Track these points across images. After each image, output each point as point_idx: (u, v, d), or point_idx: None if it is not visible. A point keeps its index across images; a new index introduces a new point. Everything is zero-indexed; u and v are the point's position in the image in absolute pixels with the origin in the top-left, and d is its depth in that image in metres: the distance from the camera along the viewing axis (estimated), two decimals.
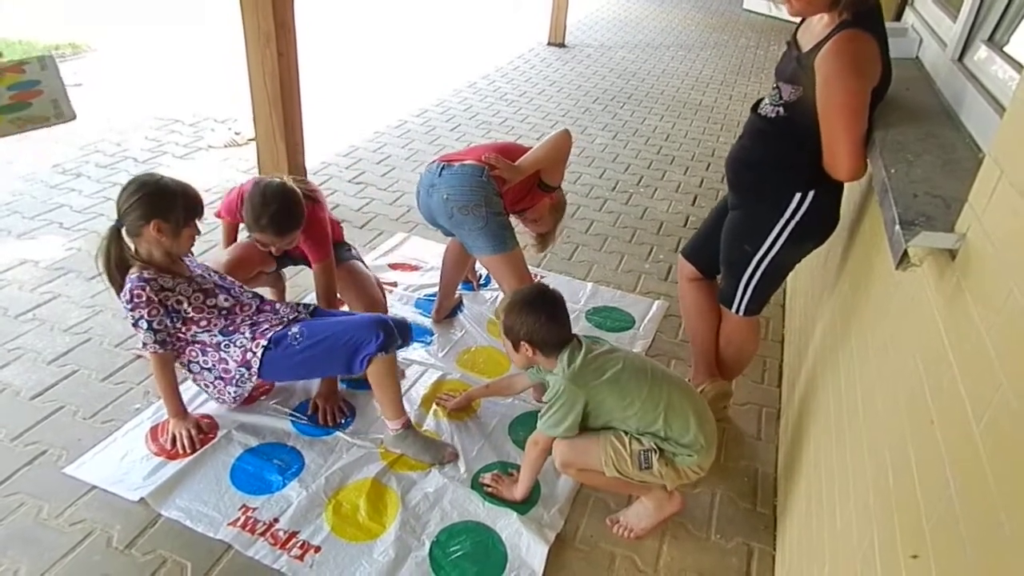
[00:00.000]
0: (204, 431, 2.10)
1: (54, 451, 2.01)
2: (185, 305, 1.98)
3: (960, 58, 1.90)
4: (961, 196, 1.15)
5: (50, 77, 0.71)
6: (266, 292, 2.56)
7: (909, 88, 1.94)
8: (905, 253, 1.09)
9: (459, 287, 2.91)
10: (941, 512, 0.88)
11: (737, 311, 2.09)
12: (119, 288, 1.97)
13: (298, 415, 2.23)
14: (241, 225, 2.45)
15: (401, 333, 2.09)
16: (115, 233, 1.94)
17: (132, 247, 1.96)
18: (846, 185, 1.85)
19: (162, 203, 1.89)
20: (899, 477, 1.07)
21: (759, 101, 1.92)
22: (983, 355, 0.87)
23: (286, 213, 2.14)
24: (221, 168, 4.02)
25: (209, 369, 2.08)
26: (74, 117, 0.71)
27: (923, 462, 0.99)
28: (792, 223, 1.86)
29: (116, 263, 1.96)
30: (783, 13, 10.07)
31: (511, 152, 2.44)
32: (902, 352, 1.23)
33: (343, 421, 2.23)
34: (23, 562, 1.69)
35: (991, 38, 1.77)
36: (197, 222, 1.99)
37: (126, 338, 2.49)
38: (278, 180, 2.18)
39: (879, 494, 1.15)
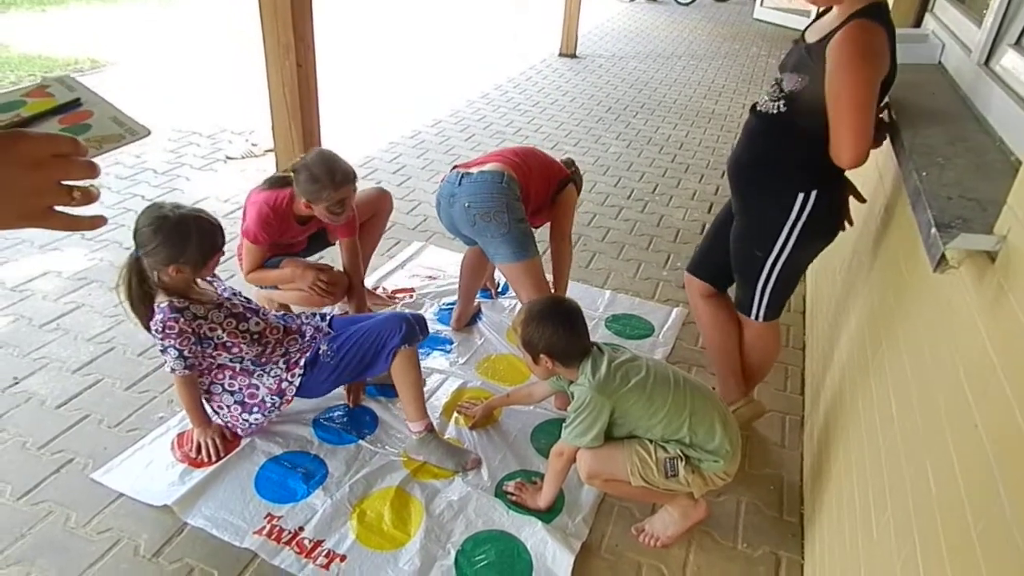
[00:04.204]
0: (228, 439, 2.11)
1: (80, 459, 2.03)
2: (219, 332, 1.95)
3: (986, 62, 1.89)
4: (996, 198, 1.14)
5: (87, 95, 0.69)
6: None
7: (935, 93, 1.93)
8: (943, 256, 1.08)
9: (478, 295, 2.91)
10: (992, 516, 0.86)
11: (757, 317, 2.07)
12: (142, 318, 1.95)
13: (322, 422, 2.24)
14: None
15: (420, 327, 2.13)
16: (134, 264, 1.89)
17: (155, 275, 1.90)
18: (870, 192, 1.84)
19: (180, 246, 1.83)
20: (942, 483, 1.06)
21: (757, 102, 1.89)
22: None
23: (344, 162, 2.32)
24: (239, 179, 4.06)
25: (232, 392, 2.07)
26: (148, 133, 0.68)
27: (968, 467, 0.98)
28: (800, 224, 1.83)
29: (138, 295, 1.91)
30: (792, 21, 10.09)
31: (532, 158, 2.45)
32: (940, 356, 1.22)
33: (366, 429, 2.23)
34: (53, 570, 1.70)
35: (1018, 41, 1.76)
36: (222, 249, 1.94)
37: (149, 347, 2.51)
38: (309, 151, 2.35)
39: (920, 501, 1.14)
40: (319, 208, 2.28)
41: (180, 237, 1.83)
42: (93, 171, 0.64)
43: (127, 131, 0.72)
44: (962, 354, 1.11)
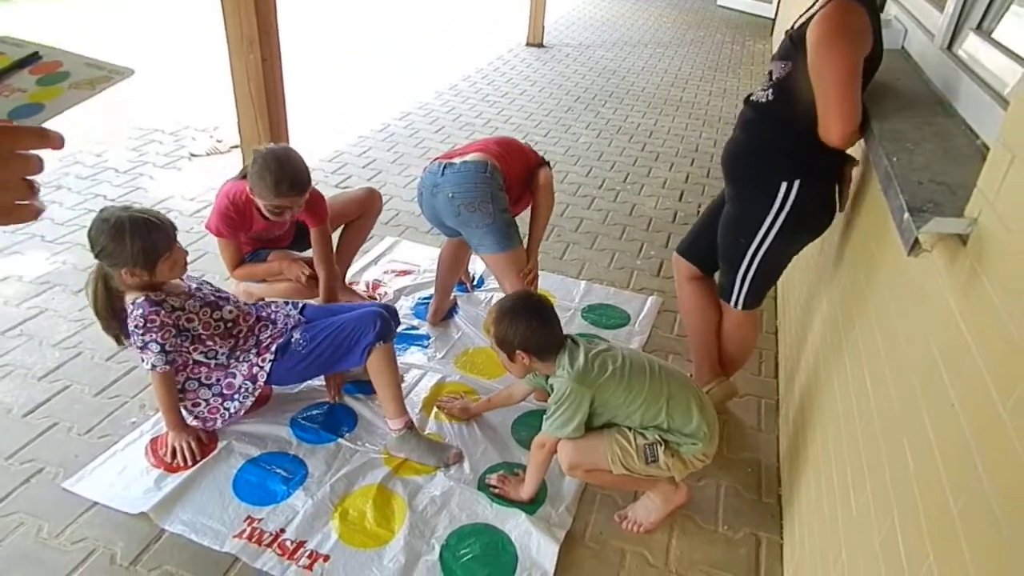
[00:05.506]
0: (204, 442, 2.07)
1: (51, 469, 1.97)
2: (195, 323, 1.96)
3: (949, 47, 1.92)
4: (965, 182, 1.16)
5: (44, 49, 0.63)
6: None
7: (899, 78, 1.96)
8: (916, 240, 1.10)
9: (454, 289, 2.89)
10: (971, 491, 0.89)
11: (736, 305, 2.10)
12: (108, 325, 1.96)
13: (300, 421, 2.21)
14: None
15: (394, 320, 2.13)
16: (100, 269, 1.90)
17: (118, 278, 1.90)
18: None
19: (123, 255, 1.81)
20: (920, 461, 1.08)
21: (751, 92, 1.93)
22: (1006, 337, 0.88)
23: (301, 170, 2.22)
24: (204, 177, 3.97)
25: (209, 386, 2.06)
26: (133, 72, 0.64)
27: (946, 445, 1.00)
28: (783, 214, 1.86)
29: (104, 300, 1.92)
30: (755, 8, 10.18)
31: (512, 148, 2.44)
32: (914, 337, 1.24)
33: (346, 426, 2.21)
34: None
35: (979, 26, 1.80)
36: (175, 247, 1.90)
37: (117, 351, 2.44)
38: (276, 145, 2.25)
39: (898, 479, 1.16)
40: (259, 202, 2.25)
41: (117, 241, 1.80)
42: (41, 166, 0.62)
43: (111, 71, 0.67)
44: (936, 335, 1.13)
